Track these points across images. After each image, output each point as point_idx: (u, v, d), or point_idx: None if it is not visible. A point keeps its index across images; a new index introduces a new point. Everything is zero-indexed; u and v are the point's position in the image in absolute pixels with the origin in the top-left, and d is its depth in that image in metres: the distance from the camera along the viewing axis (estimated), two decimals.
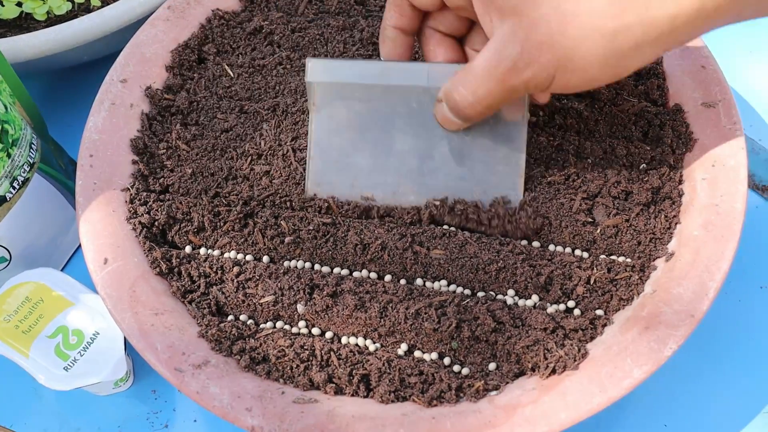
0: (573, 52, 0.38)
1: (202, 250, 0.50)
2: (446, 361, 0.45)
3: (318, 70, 0.48)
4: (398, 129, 0.48)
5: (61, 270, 0.61)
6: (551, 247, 0.48)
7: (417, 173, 0.49)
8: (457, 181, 0.48)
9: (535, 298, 0.46)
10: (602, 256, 0.47)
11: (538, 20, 0.38)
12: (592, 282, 0.46)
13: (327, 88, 0.48)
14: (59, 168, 0.60)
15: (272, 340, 0.45)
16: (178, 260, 0.49)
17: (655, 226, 0.48)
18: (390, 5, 0.47)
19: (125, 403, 0.56)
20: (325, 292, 0.46)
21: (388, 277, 0.47)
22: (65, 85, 0.73)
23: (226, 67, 0.57)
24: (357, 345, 0.46)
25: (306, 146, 0.51)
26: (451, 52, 0.48)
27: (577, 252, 0.48)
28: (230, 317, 0.48)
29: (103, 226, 0.49)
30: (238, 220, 0.49)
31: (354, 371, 0.44)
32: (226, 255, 0.49)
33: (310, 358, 0.44)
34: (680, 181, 0.49)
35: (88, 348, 0.52)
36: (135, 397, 0.56)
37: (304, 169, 0.50)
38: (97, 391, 0.54)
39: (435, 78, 0.46)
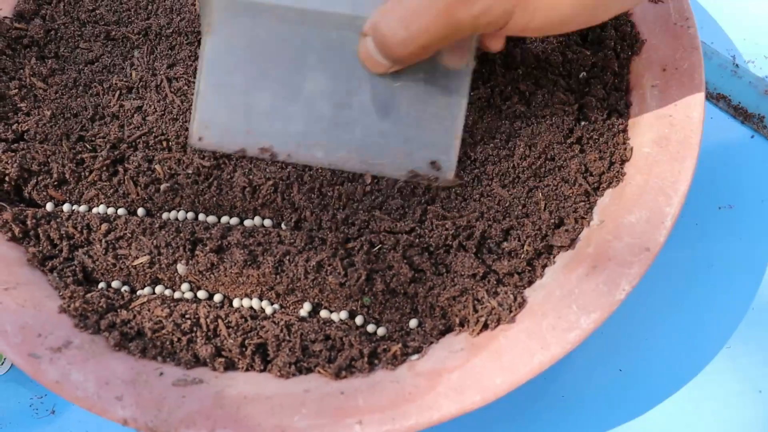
0: None
1: (66, 207, 0.41)
2: (358, 320, 0.38)
3: None
4: (311, 66, 0.39)
5: None
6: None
7: (329, 123, 0.39)
8: (377, 137, 0.39)
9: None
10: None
11: None
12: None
13: (227, 5, 0.38)
14: None
15: (148, 310, 0.38)
16: (35, 221, 0.40)
17: (599, 146, 0.41)
18: None
19: (3, 389, 0.48)
20: (208, 248, 0.38)
21: (284, 225, 0.40)
22: None
23: None
24: (251, 308, 0.38)
25: (185, 75, 0.42)
26: None
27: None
28: (101, 285, 0.40)
29: None
30: (105, 168, 0.41)
31: (247, 341, 0.36)
32: (94, 210, 0.41)
33: (194, 329, 0.37)
34: (627, 90, 0.42)
35: None
36: (15, 381, 0.48)
37: (190, 106, 0.41)
38: None
39: (362, 4, 0.37)
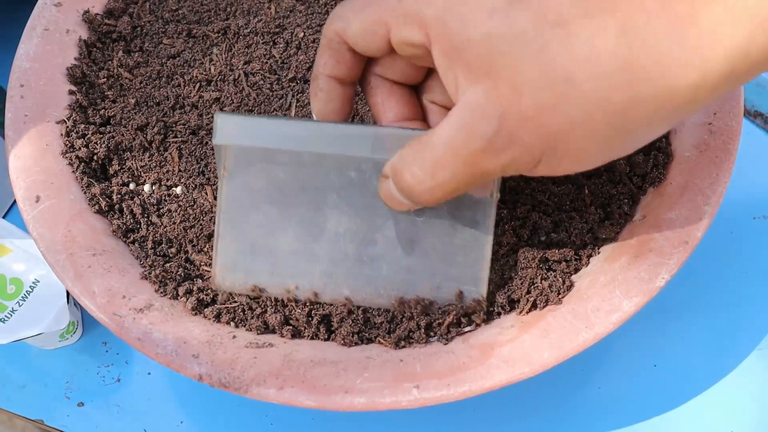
0: (568, 133, 0.29)
1: (146, 187, 0.45)
2: None
3: (230, 130, 0.37)
4: (332, 205, 0.38)
5: (3, 217, 0.57)
6: None
7: (354, 261, 0.39)
8: (404, 273, 0.39)
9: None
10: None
11: (521, 87, 0.28)
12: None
13: (243, 151, 0.38)
14: None
15: None
16: (120, 196, 0.44)
17: (643, 149, 0.43)
18: (323, 48, 0.36)
19: (74, 357, 0.51)
20: None
21: None
22: (3, 19, 0.67)
23: None
24: None
25: (261, 71, 0.46)
26: (404, 105, 0.37)
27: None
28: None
29: (35, 161, 0.44)
30: (185, 152, 0.45)
31: (313, 312, 0.39)
32: (173, 190, 0.45)
33: (264, 299, 0.40)
34: None
35: (27, 297, 0.48)
36: (84, 351, 0.51)
37: (264, 99, 0.43)
38: (42, 344, 0.50)
39: (382, 147, 0.36)
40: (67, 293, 0.48)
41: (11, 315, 0.47)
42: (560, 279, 0.39)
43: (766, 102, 0.56)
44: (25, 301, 0.47)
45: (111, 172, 0.45)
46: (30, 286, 0.48)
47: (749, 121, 0.57)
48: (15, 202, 0.57)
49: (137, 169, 0.45)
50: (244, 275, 0.40)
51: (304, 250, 0.39)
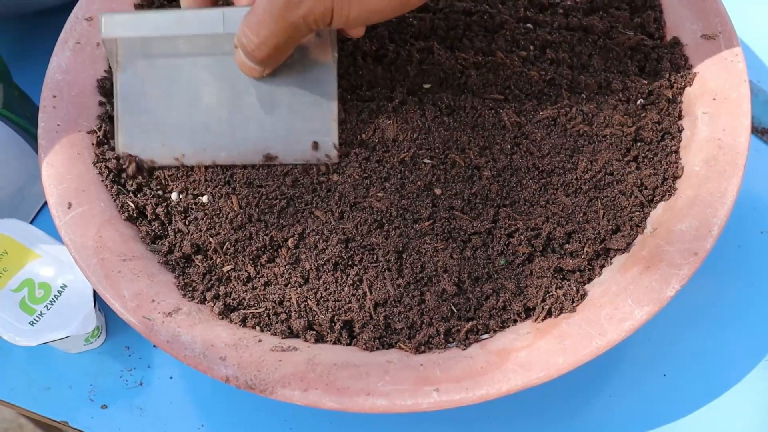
0: None
1: (174, 195, 0.46)
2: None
3: (114, 26, 0.44)
4: (204, 81, 0.46)
5: (30, 223, 0.58)
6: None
7: (226, 126, 0.46)
8: (268, 131, 0.46)
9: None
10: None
11: None
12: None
13: (128, 43, 0.45)
14: (24, 116, 0.57)
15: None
16: (148, 204, 0.45)
17: (654, 164, 0.45)
18: None
19: (97, 361, 0.53)
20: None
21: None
22: (32, 32, 0.69)
23: None
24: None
25: None
26: None
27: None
28: None
29: (67, 169, 0.45)
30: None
31: (336, 317, 0.41)
32: (200, 198, 0.46)
33: (288, 305, 0.41)
34: (680, 116, 0.47)
35: (55, 301, 0.49)
36: (108, 354, 0.53)
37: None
38: (67, 348, 0.52)
39: (231, 23, 0.43)
40: (93, 298, 0.49)
41: (39, 318, 0.48)
42: (574, 288, 0.40)
43: None
44: (53, 305, 0.49)
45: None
46: (58, 291, 0.49)
47: (757, 138, 0.58)
48: (42, 208, 0.59)
49: (165, 177, 0.47)
50: (140, 150, 0.47)
51: (185, 123, 0.46)
